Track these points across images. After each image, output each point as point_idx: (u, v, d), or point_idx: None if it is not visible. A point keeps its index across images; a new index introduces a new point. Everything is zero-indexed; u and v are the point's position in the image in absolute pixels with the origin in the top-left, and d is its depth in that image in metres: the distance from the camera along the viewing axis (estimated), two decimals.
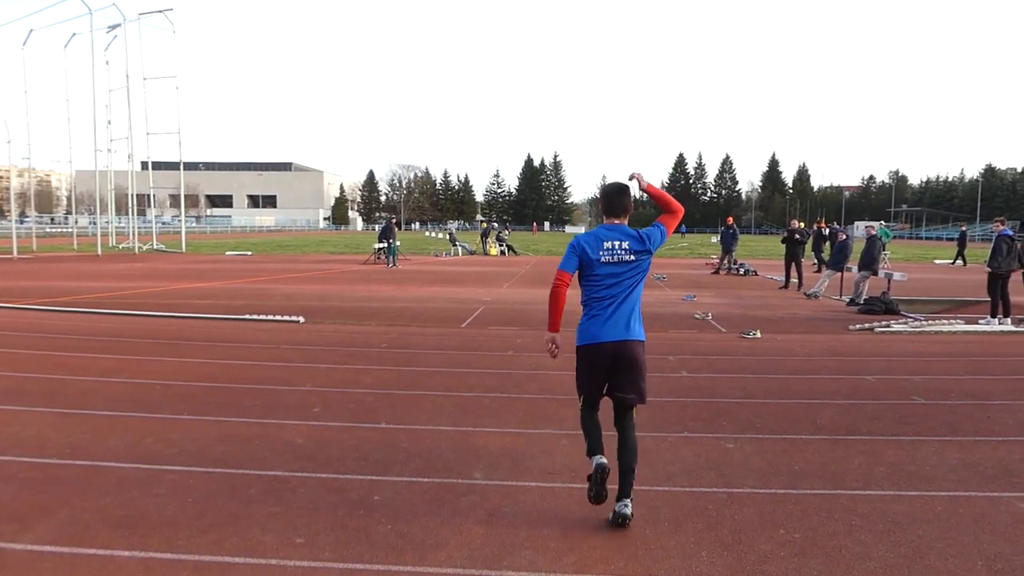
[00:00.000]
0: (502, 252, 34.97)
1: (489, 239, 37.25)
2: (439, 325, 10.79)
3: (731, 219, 25.92)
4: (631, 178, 5.14)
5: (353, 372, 7.60)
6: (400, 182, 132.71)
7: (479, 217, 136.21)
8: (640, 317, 5.11)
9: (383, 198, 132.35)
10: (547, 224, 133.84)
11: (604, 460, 4.95)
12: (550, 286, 5.10)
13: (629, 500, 4.98)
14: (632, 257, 5.07)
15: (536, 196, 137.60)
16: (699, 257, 33.03)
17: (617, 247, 5.09)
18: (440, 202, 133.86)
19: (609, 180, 8.58)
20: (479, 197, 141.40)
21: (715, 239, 62.59)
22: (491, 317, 11.19)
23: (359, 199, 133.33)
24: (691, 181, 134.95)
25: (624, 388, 4.98)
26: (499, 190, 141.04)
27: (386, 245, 26.51)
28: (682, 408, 6.64)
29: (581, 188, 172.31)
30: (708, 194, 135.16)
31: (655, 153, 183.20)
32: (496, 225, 42.03)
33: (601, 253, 5.10)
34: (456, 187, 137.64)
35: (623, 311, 4.99)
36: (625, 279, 5.05)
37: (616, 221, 5.19)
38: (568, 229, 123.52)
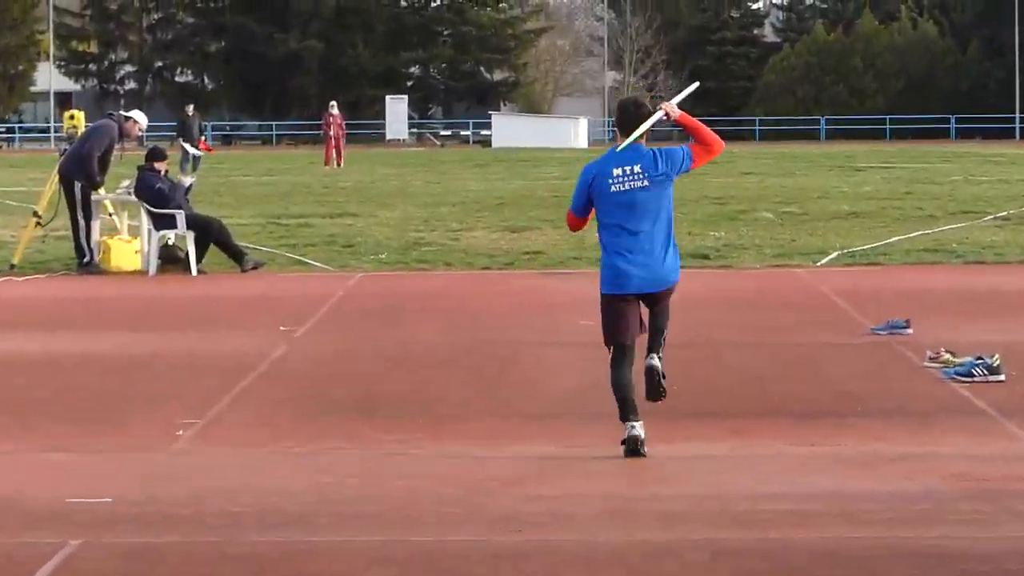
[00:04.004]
0: (163, 256, 21.30)
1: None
2: None
3: None
4: (658, 109, 8.58)
5: None
6: None
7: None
8: (674, 251, 8.51)
9: None
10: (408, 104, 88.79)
11: (638, 432, 8.47)
12: None
13: (656, 354, 8.57)
14: (646, 183, 8.20)
15: None
16: None
17: (628, 172, 8.23)
18: None
19: None
20: None
21: None
22: None
23: None
24: None
25: (656, 321, 8.71)
26: None
27: None
28: None
29: None
30: None
31: None
32: (129, 118, 20.88)
33: (611, 181, 8.28)
34: None
35: (645, 250, 8.31)
36: (641, 210, 8.25)
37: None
38: (497, 122, 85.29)
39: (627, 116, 8.45)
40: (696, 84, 9.62)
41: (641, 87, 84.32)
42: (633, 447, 8.24)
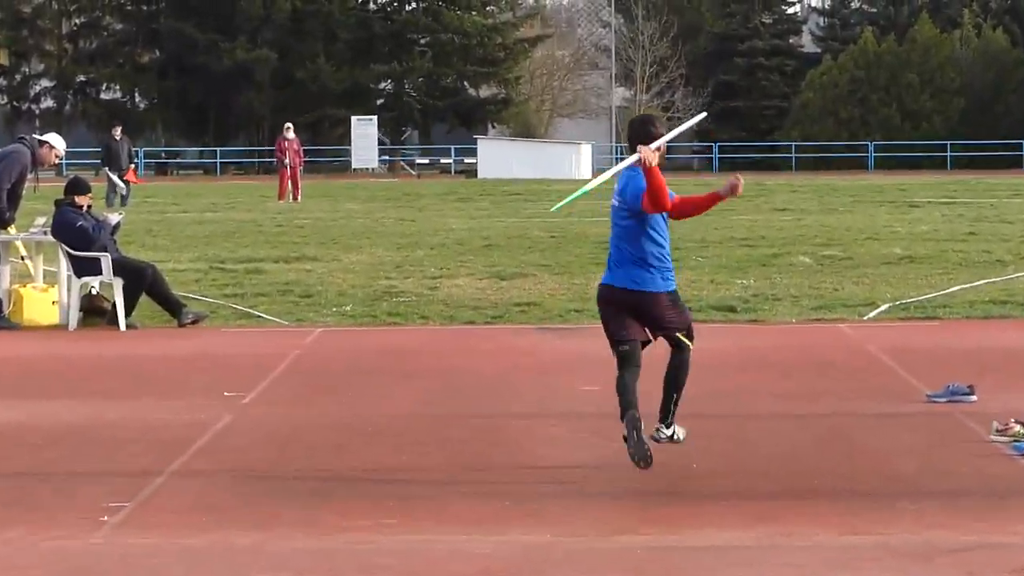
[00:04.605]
0: (86, 308, 22.21)
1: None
2: None
3: None
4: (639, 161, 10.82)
5: None
6: None
7: None
8: (659, 267, 11.05)
9: None
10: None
11: (636, 414, 10.70)
12: None
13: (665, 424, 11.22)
14: (616, 202, 10.96)
15: None
16: None
17: (617, 191, 10.96)
18: None
19: None
20: None
21: None
22: None
23: None
24: None
25: (663, 326, 11.08)
26: None
27: None
28: None
29: None
30: None
31: None
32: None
33: (613, 196, 11.09)
34: None
35: (625, 259, 11.04)
36: (618, 229, 11.10)
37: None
38: (484, 148, 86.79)
39: (632, 133, 10.87)
40: (703, 115, 11.97)
41: (655, 106, 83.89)
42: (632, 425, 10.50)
